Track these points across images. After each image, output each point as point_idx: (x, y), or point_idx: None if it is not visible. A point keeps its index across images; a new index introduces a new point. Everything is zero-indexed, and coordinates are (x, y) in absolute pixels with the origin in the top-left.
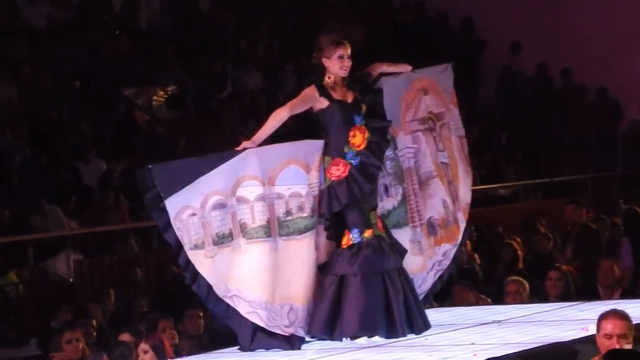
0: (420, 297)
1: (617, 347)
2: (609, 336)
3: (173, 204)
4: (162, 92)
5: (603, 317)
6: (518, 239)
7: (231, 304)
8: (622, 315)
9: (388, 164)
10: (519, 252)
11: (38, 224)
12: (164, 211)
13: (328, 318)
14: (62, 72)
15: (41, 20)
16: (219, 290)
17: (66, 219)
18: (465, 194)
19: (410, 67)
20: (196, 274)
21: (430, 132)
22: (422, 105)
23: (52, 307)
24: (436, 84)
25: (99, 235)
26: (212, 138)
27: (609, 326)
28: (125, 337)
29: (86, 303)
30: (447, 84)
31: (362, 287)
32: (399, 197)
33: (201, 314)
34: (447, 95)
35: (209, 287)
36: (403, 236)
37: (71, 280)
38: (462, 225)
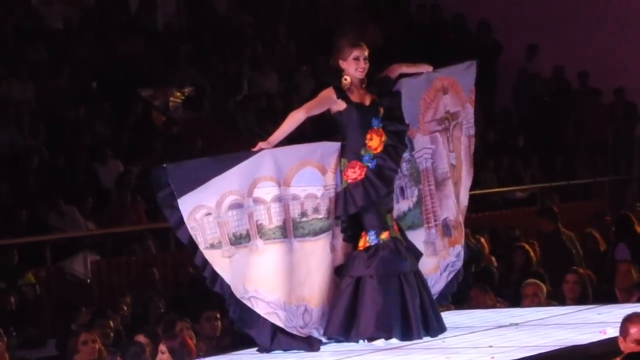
0: (434, 298)
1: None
2: (639, 342)
3: (186, 203)
4: (178, 93)
5: (630, 321)
6: (534, 242)
7: (249, 305)
8: None
9: (404, 166)
10: (531, 255)
11: (55, 225)
12: (177, 209)
13: (344, 319)
14: (79, 72)
15: (58, 21)
16: (238, 292)
17: (83, 219)
18: (464, 196)
19: (432, 68)
20: (216, 275)
21: (445, 132)
22: (440, 105)
23: (69, 307)
24: (457, 82)
25: (116, 236)
26: (229, 139)
27: (637, 331)
28: (140, 338)
29: (103, 304)
30: (469, 82)
31: (379, 288)
32: (415, 199)
33: (218, 316)
34: (466, 93)
35: (230, 288)
36: (417, 237)
37: (88, 280)
38: (463, 227)
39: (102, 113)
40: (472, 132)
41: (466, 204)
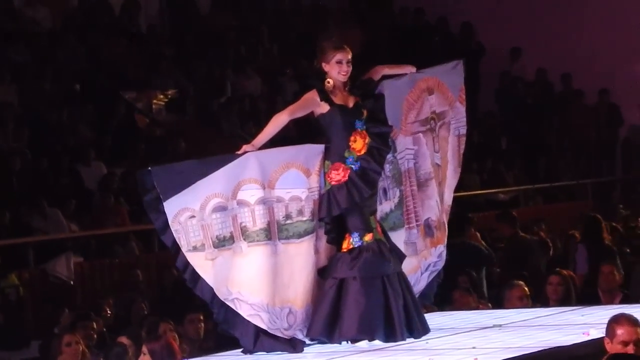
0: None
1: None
2: (625, 343)
3: (171, 206)
4: (162, 96)
5: (616, 322)
6: None
7: (233, 306)
8: (635, 321)
9: (387, 167)
10: None
11: (39, 227)
12: (162, 213)
13: (327, 321)
14: (62, 75)
15: (41, 24)
16: (221, 294)
17: (66, 221)
18: (448, 196)
19: (415, 68)
20: (197, 277)
21: (430, 132)
22: (425, 105)
23: (52, 309)
24: (442, 82)
25: (99, 238)
26: (212, 142)
27: (624, 333)
28: (123, 339)
29: (87, 306)
30: (456, 81)
31: (362, 290)
32: (396, 200)
33: (201, 318)
34: (453, 92)
35: (212, 290)
36: (398, 238)
37: (72, 282)
38: (446, 227)
39: (85, 115)
40: (463, 131)
41: (450, 203)
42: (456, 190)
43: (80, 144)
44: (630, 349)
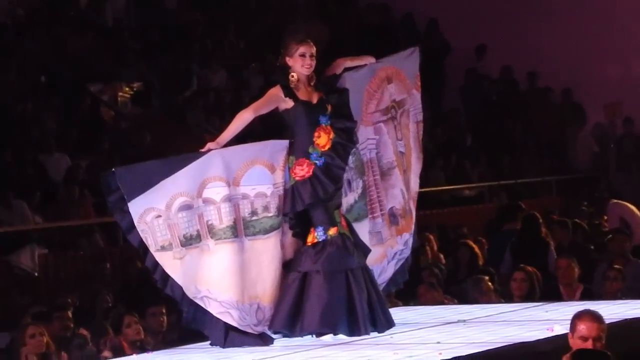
0: (381, 287)
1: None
2: (584, 338)
3: (136, 206)
4: (127, 89)
5: (578, 318)
6: (482, 239)
7: (202, 304)
8: (597, 318)
9: (350, 159)
10: (477, 251)
11: (3, 218)
12: (127, 213)
13: (290, 314)
14: (27, 67)
15: (6, 15)
16: (189, 292)
17: (31, 213)
18: (415, 182)
19: (374, 59)
20: (167, 277)
21: (392, 121)
22: (385, 95)
23: (16, 301)
24: (400, 70)
25: (63, 230)
26: (177, 135)
27: (585, 328)
28: (82, 331)
29: (51, 298)
30: (412, 68)
31: (325, 284)
32: (360, 190)
33: (163, 311)
34: (410, 80)
35: (182, 289)
36: (363, 228)
37: (36, 274)
38: (414, 214)
39: (50, 107)
40: (420, 117)
41: (417, 189)
42: (421, 186)
43: (45, 136)
44: (589, 344)
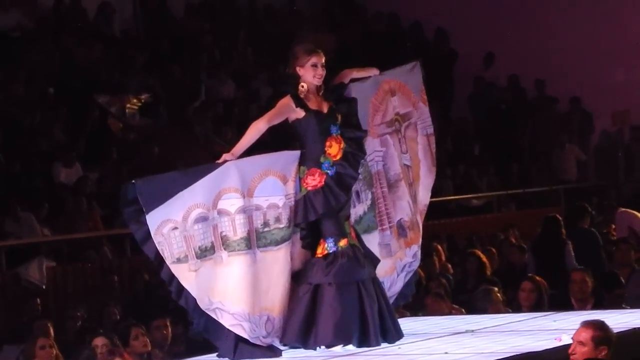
0: (391, 300)
1: (576, 353)
2: (576, 341)
3: (154, 218)
4: (135, 100)
5: (581, 325)
6: (491, 249)
7: (214, 316)
8: (591, 324)
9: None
10: (484, 260)
11: (11, 231)
12: (144, 224)
13: (302, 327)
14: (36, 78)
15: (14, 27)
16: (203, 304)
17: (39, 225)
18: (423, 195)
19: (378, 71)
20: (182, 289)
21: (396, 134)
22: (389, 107)
23: (25, 314)
24: (404, 84)
25: (72, 242)
26: (186, 146)
27: (575, 331)
28: (98, 341)
29: (59, 310)
30: (416, 83)
31: (337, 296)
32: (369, 202)
33: (168, 324)
34: (415, 94)
35: (195, 301)
36: (372, 240)
37: (44, 287)
38: (421, 227)
39: (58, 119)
40: (430, 130)
41: (426, 202)
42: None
43: (53, 147)
44: (581, 349)
